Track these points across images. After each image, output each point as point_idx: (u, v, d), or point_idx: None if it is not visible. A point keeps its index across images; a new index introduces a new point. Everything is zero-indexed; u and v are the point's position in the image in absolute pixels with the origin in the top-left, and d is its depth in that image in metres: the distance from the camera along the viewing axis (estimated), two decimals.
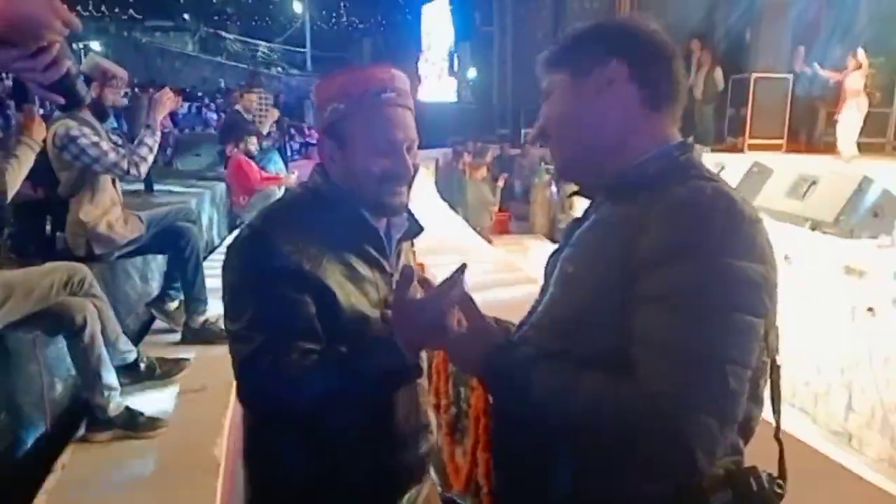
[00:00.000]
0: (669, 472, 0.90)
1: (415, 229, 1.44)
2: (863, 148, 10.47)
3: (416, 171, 1.34)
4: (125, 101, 4.15)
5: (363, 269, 1.32)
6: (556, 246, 1.21)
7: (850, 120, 8.80)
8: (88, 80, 3.22)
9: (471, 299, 1.10)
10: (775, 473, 1.01)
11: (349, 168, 1.30)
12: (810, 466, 1.95)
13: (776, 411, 1.06)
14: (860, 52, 9.11)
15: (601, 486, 0.97)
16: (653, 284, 0.91)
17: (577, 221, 1.15)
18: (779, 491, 0.98)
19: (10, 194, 2.57)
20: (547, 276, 1.17)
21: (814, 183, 5.42)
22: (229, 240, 1.39)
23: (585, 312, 1.00)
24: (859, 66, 9.03)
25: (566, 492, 1.01)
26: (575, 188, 1.18)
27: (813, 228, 5.21)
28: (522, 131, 14.69)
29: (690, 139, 1.10)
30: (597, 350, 0.96)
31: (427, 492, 1.50)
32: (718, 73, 10.78)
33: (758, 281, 0.91)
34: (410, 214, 1.43)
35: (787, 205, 5.60)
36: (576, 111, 1.09)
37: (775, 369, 1.03)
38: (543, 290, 1.16)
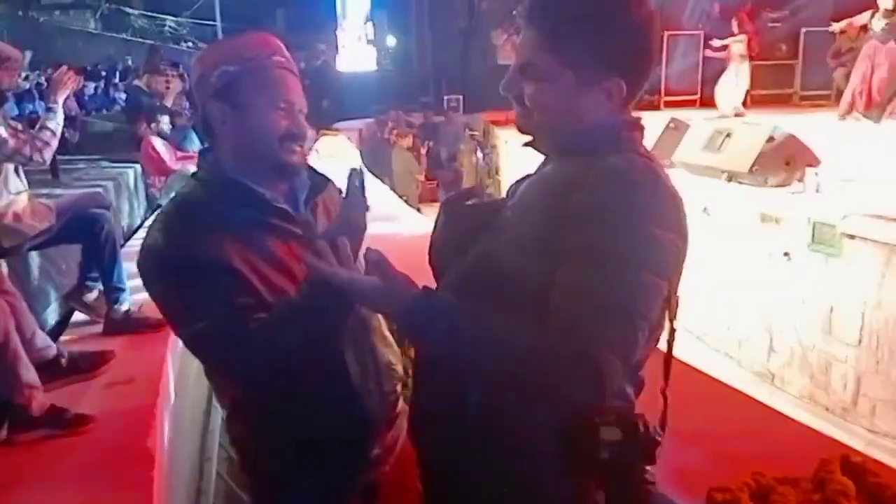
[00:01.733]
0: (578, 398, 0.98)
1: (320, 183, 1.46)
2: (771, 99, 10.91)
3: (307, 134, 1.40)
4: (26, 85, 3.91)
5: (277, 247, 1.33)
6: None
7: (727, 85, 9.17)
8: None
9: (378, 253, 1.11)
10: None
11: (246, 129, 1.31)
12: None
13: (667, 372, 1.18)
14: (742, 17, 9.42)
15: (508, 418, 1.08)
16: (579, 238, 1.00)
17: (523, 179, 1.23)
18: (658, 438, 1.10)
19: None
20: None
21: (728, 135, 5.58)
22: (143, 232, 1.42)
23: (515, 256, 1.09)
24: (739, 33, 9.36)
25: (476, 423, 1.12)
26: (528, 139, 1.23)
27: (729, 180, 5.39)
28: (444, 98, 14.64)
29: (641, 120, 1.18)
30: (519, 291, 1.05)
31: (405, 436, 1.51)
32: None
33: (670, 249, 1.03)
34: (312, 170, 1.46)
35: (703, 158, 5.77)
36: (566, 105, 1.13)
37: (672, 332, 1.15)
38: (476, 239, 1.22)
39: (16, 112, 10.57)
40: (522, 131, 1.20)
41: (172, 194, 1.46)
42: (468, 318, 1.02)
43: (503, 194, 1.29)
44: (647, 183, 1.05)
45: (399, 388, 1.53)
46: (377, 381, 1.45)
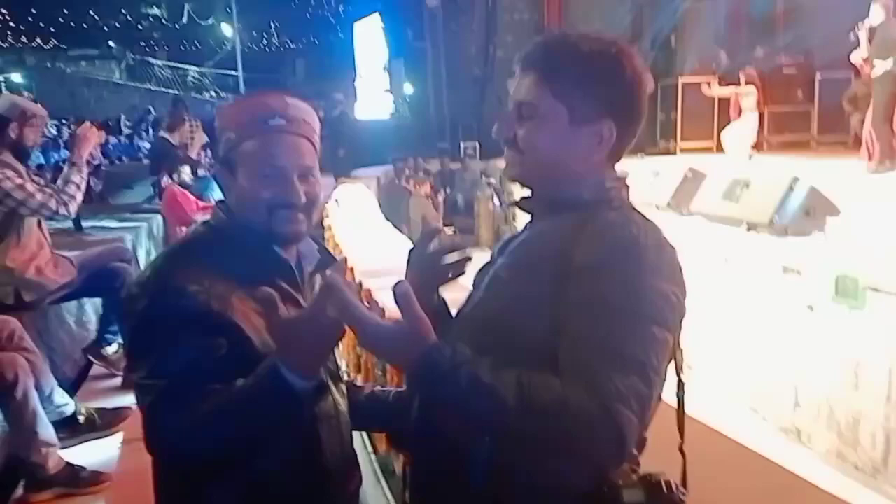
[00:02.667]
0: (598, 455, 0.93)
1: (326, 260, 1.40)
2: (787, 144, 10.89)
3: (314, 199, 1.30)
4: (52, 132, 3.98)
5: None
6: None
7: (735, 134, 9.16)
8: (6, 121, 3.09)
9: (407, 287, 1.00)
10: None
11: (241, 197, 1.28)
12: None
13: (681, 426, 1.16)
14: (750, 72, 9.45)
15: (522, 480, 1.02)
16: (586, 291, 1.00)
17: (512, 238, 1.24)
18: (682, 497, 1.07)
19: None
20: (476, 285, 1.24)
21: (746, 185, 5.55)
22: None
23: (517, 310, 1.07)
24: (748, 84, 9.38)
25: (483, 487, 1.05)
26: (517, 198, 1.25)
27: (749, 229, 5.35)
28: (461, 145, 14.75)
29: (626, 176, 1.19)
30: (525, 344, 1.03)
31: None
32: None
33: (673, 301, 1.03)
34: (321, 246, 1.40)
35: (722, 207, 5.74)
36: (557, 147, 1.14)
37: (681, 386, 1.13)
38: (470, 297, 1.23)
39: (41, 161, 10.81)
40: (512, 178, 1.21)
41: None
42: (486, 369, 0.96)
43: None
44: (647, 237, 1.05)
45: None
46: (343, 476, 1.37)
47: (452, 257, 1.32)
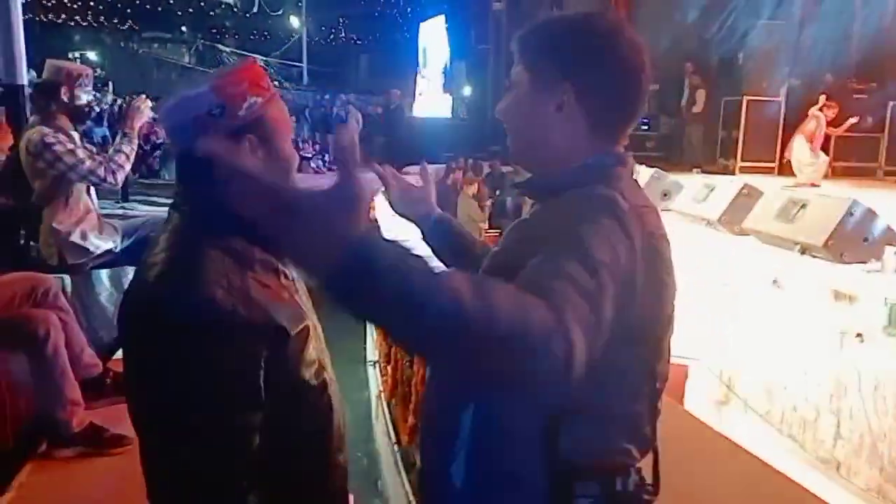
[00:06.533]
0: (547, 369, 0.79)
1: None
2: (854, 172, 10.52)
3: None
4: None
5: (285, 281, 1.23)
6: None
7: (802, 157, 8.87)
8: (57, 85, 3.15)
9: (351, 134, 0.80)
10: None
11: (273, 162, 1.22)
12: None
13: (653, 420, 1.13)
14: (827, 102, 9.15)
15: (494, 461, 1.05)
16: (540, 250, 0.96)
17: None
18: (646, 497, 1.06)
19: None
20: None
21: (803, 206, 5.36)
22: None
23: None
24: (824, 109, 9.06)
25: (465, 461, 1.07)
26: (517, 182, 1.29)
27: (802, 252, 5.16)
28: None
29: (625, 154, 1.14)
30: None
31: None
32: (700, 95, 10.83)
33: (620, 249, 0.96)
34: None
35: (775, 227, 5.55)
36: (526, 117, 1.14)
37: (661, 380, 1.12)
38: None
39: (106, 133, 11.14)
40: (514, 163, 1.23)
41: None
42: (427, 269, 0.77)
43: None
44: (602, 203, 1.01)
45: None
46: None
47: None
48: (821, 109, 9.16)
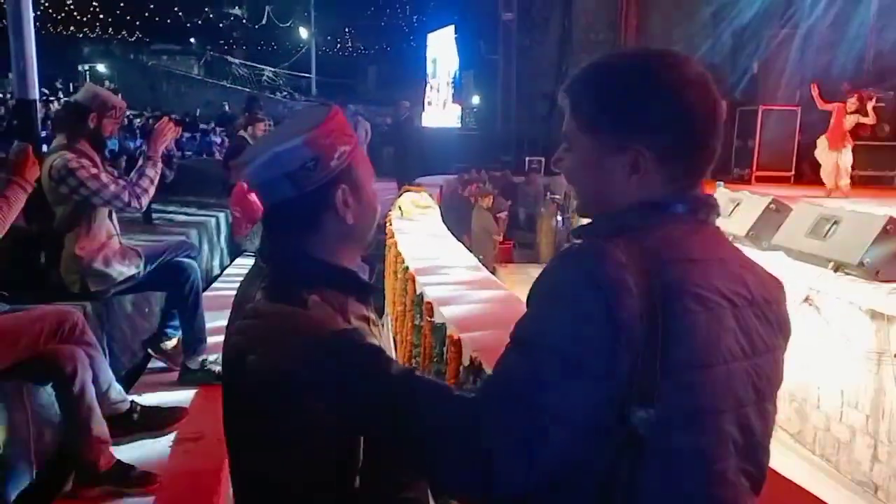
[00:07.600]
0: (459, 481, 0.87)
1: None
2: (871, 181, 10.40)
3: None
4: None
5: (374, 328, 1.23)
6: None
7: (833, 160, 8.66)
8: (87, 110, 3.09)
9: None
10: None
11: (363, 208, 1.20)
12: None
13: None
14: (864, 96, 8.94)
15: None
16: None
17: None
18: None
19: None
20: None
21: (836, 223, 5.22)
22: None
23: None
24: (857, 110, 8.85)
25: None
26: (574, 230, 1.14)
27: (836, 270, 5.04)
28: (526, 159, 14.62)
29: (696, 198, 1.02)
30: None
31: None
32: None
33: (589, 336, 0.87)
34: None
35: (807, 244, 5.41)
36: (596, 181, 1.02)
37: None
38: None
39: (115, 146, 11.11)
40: (581, 216, 1.09)
41: None
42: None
43: None
44: (578, 268, 0.90)
45: None
46: None
47: None
48: (843, 102, 8.96)
